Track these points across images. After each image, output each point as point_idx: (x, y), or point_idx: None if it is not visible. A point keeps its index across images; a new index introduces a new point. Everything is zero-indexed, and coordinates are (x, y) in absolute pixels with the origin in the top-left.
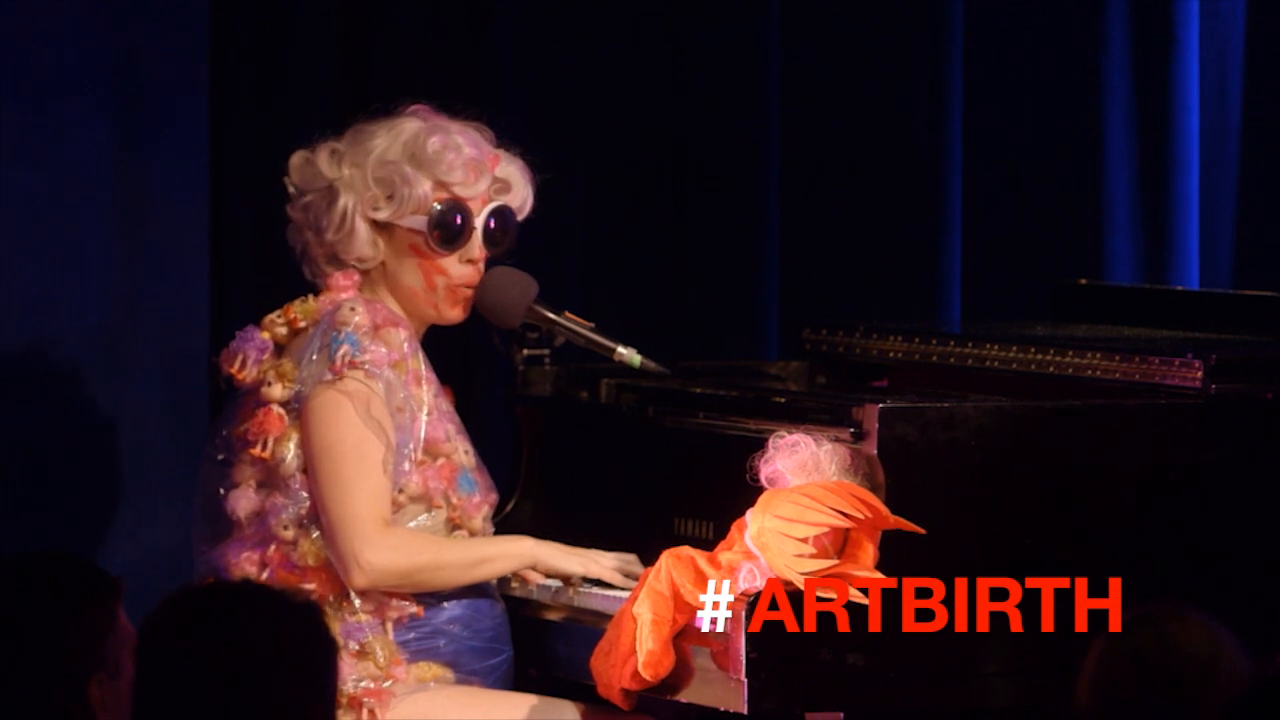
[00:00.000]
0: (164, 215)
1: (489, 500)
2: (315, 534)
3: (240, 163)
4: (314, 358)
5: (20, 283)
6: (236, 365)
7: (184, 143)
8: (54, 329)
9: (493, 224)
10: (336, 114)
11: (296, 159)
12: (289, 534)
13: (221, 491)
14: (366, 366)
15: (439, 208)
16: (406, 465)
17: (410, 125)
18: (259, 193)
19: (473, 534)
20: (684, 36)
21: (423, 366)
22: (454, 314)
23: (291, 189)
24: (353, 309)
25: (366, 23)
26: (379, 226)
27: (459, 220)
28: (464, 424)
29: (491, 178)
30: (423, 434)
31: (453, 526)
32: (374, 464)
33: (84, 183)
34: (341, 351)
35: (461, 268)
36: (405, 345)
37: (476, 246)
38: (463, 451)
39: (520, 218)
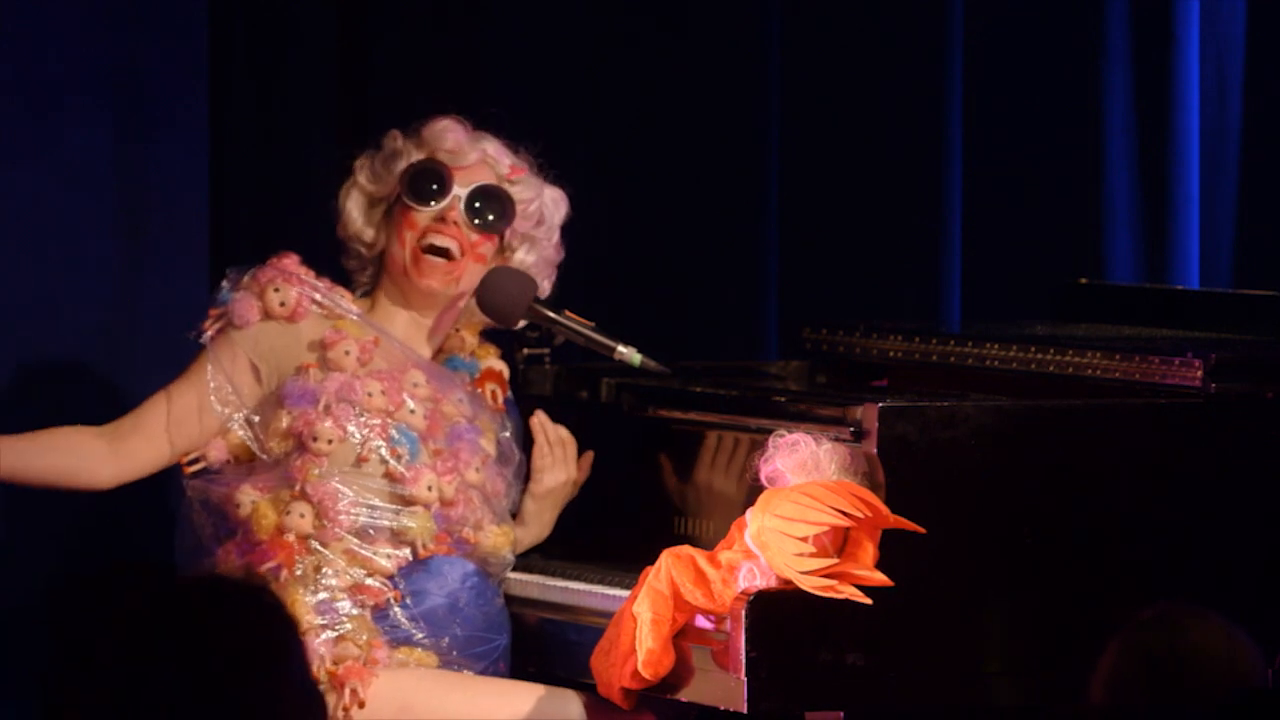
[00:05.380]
0: (164, 215)
1: (443, 469)
2: (263, 505)
3: (240, 163)
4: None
5: (20, 283)
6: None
7: (184, 143)
8: (54, 329)
9: (477, 201)
10: (336, 114)
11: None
12: (243, 512)
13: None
14: (227, 315)
15: (417, 165)
16: (287, 416)
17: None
18: (259, 193)
19: (417, 501)
20: (684, 35)
21: (342, 332)
22: (425, 281)
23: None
24: (241, 274)
25: (366, 23)
26: (388, 215)
27: (433, 175)
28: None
29: (485, 156)
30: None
31: (390, 479)
32: (185, 399)
33: (84, 183)
34: (212, 308)
35: (432, 225)
36: (283, 302)
37: (453, 210)
38: (408, 411)
39: (533, 224)
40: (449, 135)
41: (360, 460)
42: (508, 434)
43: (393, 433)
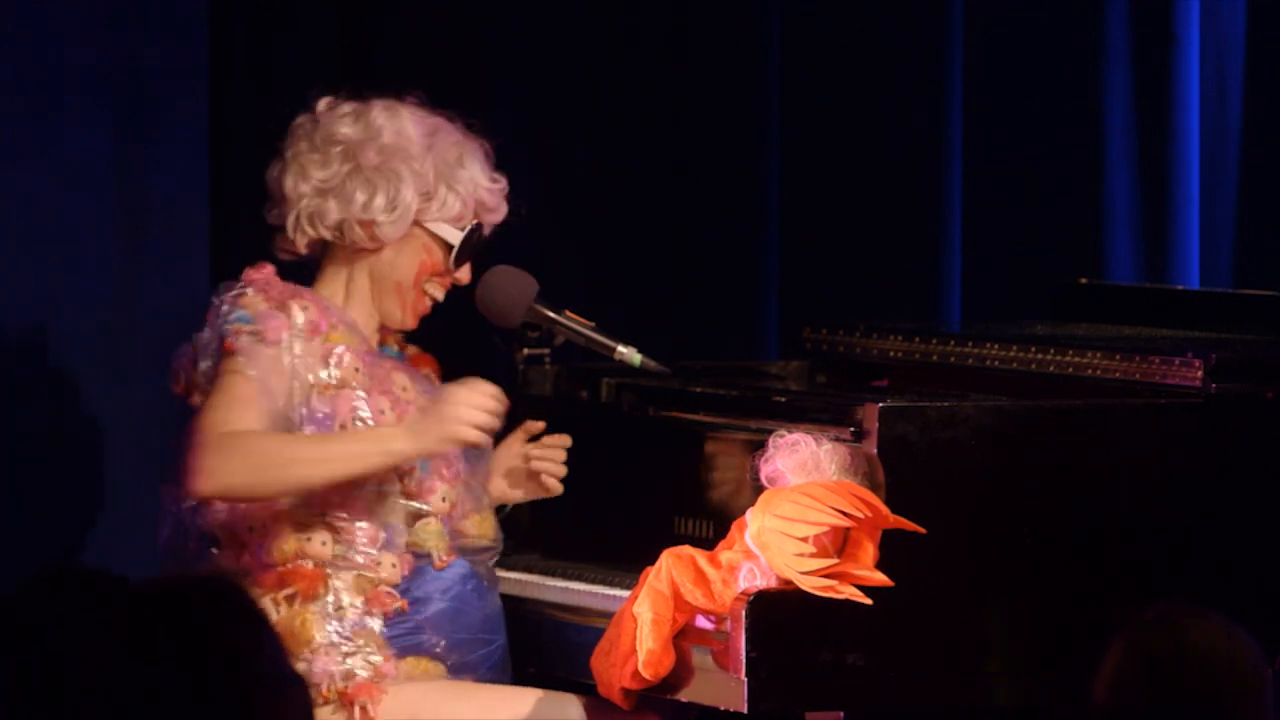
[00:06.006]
0: (164, 215)
1: (449, 475)
2: (282, 531)
3: (240, 163)
4: (209, 343)
5: (20, 283)
6: (180, 383)
7: (184, 143)
8: (54, 329)
9: (477, 245)
10: None
11: (347, 118)
12: (257, 535)
13: (187, 506)
14: (258, 333)
15: (472, 227)
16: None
17: (449, 130)
18: (259, 193)
19: (432, 513)
20: (684, 35)
21: (344, 346)
22: (410, 319)
23: (317, 138)
24: (240, 294)
25: (367, 23)
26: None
27: (476, 242)
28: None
29: (489, 203)
30: (339, 404)
31: (408, 497)
32: (236, 395)
33: (84, 183)
34: (233, 327)
35: (444, 277)
36: (305, 318)
37: (467, 269)
38: None
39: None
40: (492, 199)
41: (379, 481)
42: None
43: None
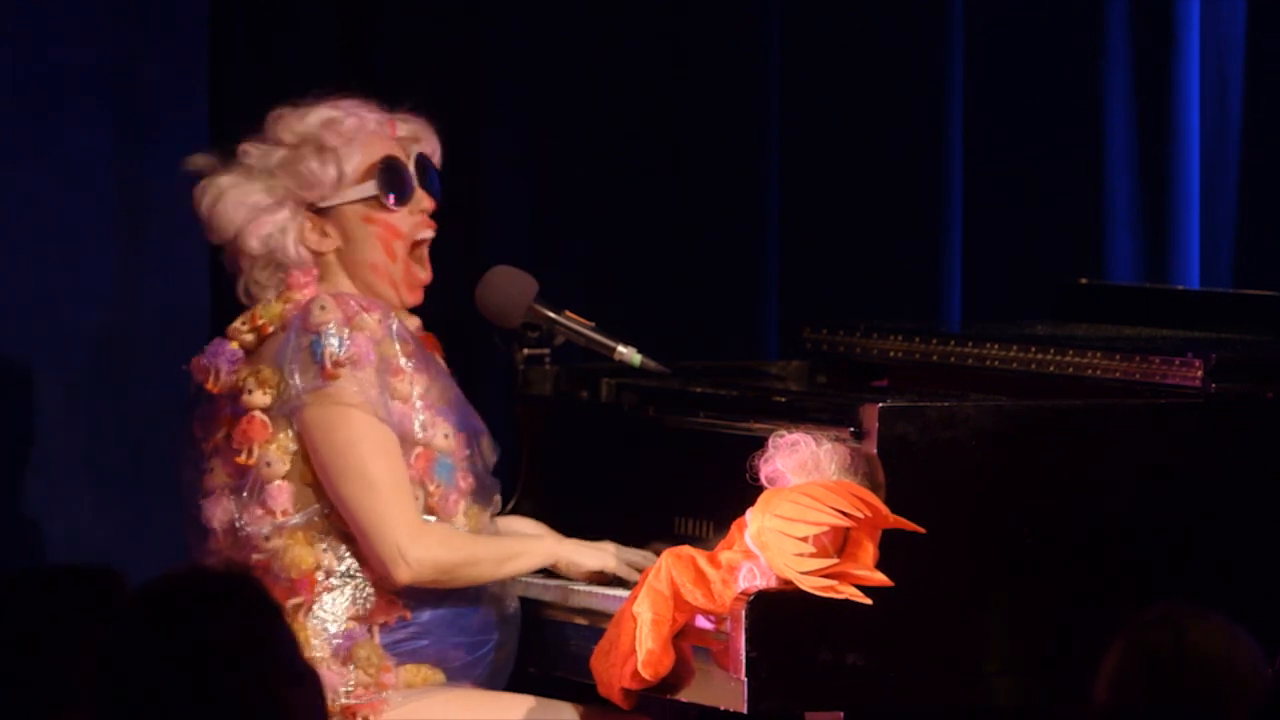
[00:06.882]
0: (164, 215)
1: (465, 488)
2: (297, 545)
3: None
4: (295, 365)
5: (20, 283)
6: (210, 379)
7: (184, 143)
8: (54, 329)
9: (422, 173)
10: None
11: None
12: (271, 545)
13: (197, 500)
14: (353, 361)
15: (383, 164)
16: None
17: (316, 112)
18: None
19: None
20: (684, 35)
21: (398, 352)
22: (410, 295)
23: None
24: (323, 307)
25: (367, 23)
26: (322, 215)
27: (402, 171)
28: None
29: (395, 137)
30: (404, 423)
31: (430, 511)
32: (396, 459)
33: (84, 183)
34: (327, 352)
35: (413, 220)
36: (380, 327)
37: (423, 196)
38: (442, 435)
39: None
40: (393, 129)
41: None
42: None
43: (435, 469)
